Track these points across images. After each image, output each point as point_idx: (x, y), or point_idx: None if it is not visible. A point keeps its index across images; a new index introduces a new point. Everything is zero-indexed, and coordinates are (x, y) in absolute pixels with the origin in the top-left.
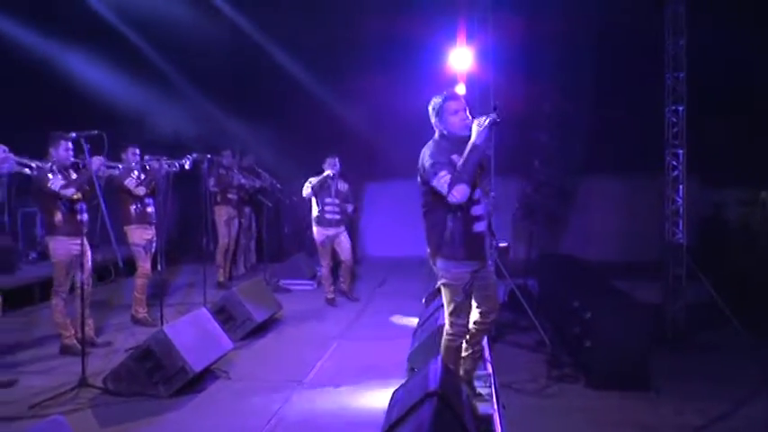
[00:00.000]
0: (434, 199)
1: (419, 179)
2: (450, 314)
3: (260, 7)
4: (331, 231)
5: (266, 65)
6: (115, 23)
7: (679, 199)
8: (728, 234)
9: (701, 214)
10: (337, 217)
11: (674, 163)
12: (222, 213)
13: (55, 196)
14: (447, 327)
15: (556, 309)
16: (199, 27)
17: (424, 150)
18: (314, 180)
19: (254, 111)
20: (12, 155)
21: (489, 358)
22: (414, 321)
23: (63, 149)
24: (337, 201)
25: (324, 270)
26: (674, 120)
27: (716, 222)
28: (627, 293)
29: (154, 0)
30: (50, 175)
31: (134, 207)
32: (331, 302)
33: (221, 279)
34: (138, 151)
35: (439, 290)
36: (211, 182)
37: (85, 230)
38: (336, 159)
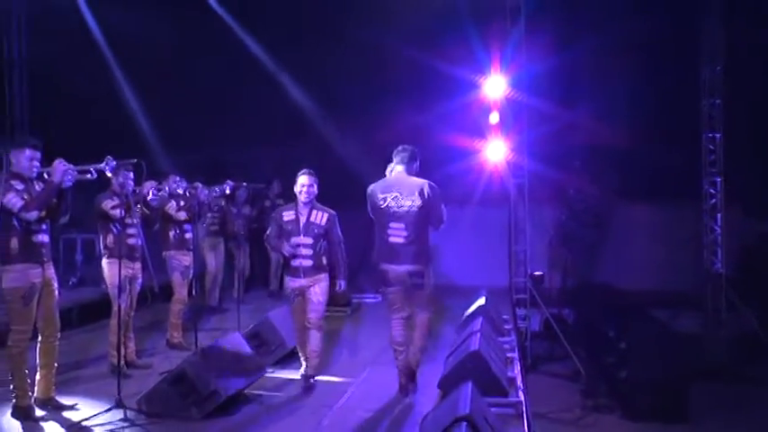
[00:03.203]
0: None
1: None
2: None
3: (287, 33)
4: (298, 283)
5: (299, 92)
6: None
7: (717, 228)
8: None
9: (744, 244)
10: (308, 263)
11: (712, 191)
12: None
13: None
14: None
15: (591, 338)
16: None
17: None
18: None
19: (287, 135)
20: (71, 165)
21: (522, 385)
22: None
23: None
24: (309, 240)
25: (297, 335)
26: (711, 147)
27: (760, 253)
28: (663, 323)
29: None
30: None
31: (173, 233)
32: (306, 383)
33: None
34: (178, 178)
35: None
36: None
37: (138, 255)
38: (310, 177)
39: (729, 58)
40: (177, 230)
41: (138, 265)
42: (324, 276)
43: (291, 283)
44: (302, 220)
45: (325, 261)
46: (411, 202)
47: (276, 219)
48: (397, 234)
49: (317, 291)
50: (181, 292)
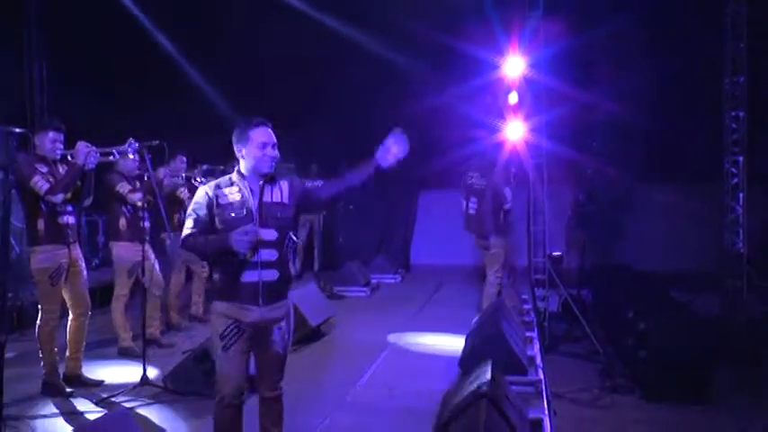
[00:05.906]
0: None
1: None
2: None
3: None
4: (254, 314)
5: (321, 70)
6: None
7: (738, 208)
8: None
9: (765, 224)
10: (272, 276)
11: (734, 170)
12: None
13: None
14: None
15: (610, 319)
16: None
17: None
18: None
19: (310, 115)
20: (93, 147)
21: (541, 364)
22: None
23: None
24: (271, 234)
25: (221, 415)
26: (734, 126)
27: None
28: (683, 304)
29: None
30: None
31: (178, 216)
32: None
33: None
34: (185, 158)
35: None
36: None
37: (147, 237)
38: (271, 132)
39: (752, 35)
40: (182, 214)
41: (148, 246)
42: (287, 305)
43: (239, 313)
44: (252, 201)
45: (293, 272)
46: (482, 181)
47: (204, 200)
48: (472, 207)
49: (284, 333)
50: (201, 271)
